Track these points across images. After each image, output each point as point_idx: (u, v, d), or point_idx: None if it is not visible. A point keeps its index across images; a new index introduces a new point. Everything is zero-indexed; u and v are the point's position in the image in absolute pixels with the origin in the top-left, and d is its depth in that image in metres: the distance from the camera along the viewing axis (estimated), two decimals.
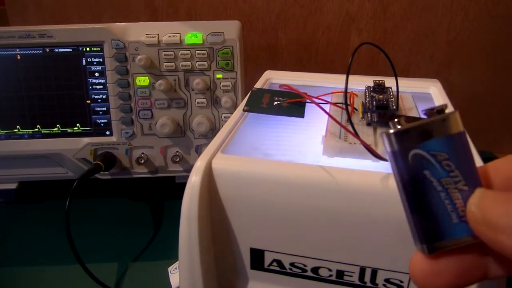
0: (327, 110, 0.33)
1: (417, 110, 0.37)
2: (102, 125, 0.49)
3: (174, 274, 0.40)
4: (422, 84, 0.43)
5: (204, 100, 0.49)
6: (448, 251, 0.17)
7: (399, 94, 0.37)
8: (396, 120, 0.16)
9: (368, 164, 0.29)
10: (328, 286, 0.31)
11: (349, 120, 0.31)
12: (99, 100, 0.49)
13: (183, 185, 0.29)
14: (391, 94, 0.37)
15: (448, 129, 0.16)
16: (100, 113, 0.49)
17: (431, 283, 0.17)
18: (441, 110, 0.16)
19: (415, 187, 0.16)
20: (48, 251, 0.46)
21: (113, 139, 0.49)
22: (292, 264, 0.31)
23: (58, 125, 0.49)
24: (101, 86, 0.48)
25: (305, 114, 0.35)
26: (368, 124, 0.34)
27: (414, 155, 0.16)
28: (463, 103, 0.67)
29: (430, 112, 0.16)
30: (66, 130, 0.49)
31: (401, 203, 0.17)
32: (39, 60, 0.47)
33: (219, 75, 0.48)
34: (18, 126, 0.49)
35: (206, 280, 0.31)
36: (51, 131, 0.49)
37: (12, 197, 0.53)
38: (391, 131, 0.16)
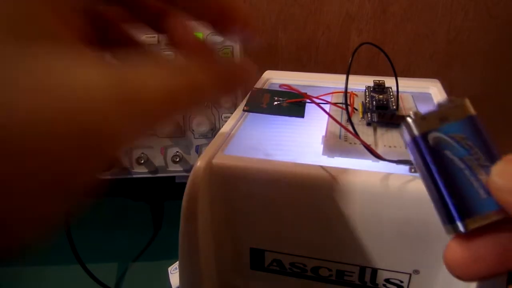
0: (327, 110, 0.33)
1: (417, 110, 0.37)
2: None
3: (174, 274, 0.40)
4: (422, 84, 0.43)
5: None
6: (482, 232, 0.17)
7: (399, 94, 0.37)
8: (413, 112, 0.18)
9: (368, 164, 0.29)
10: (328, 286, 0.31)
11: (349, 120, 0.31)
12: None
13: (183, 185, 0.29)
14: (391, 94, 0.37)
15: (462, 113, 0.18)
16: None
17: (467, 270, 0.17)
18: (453, 100, 0.18)
19: (438, 166, 0.17)
20: (48, 251, 0.46)
21: None
22: (292, 264, 0.31)
23: None
24: None
25: (305, 114, 0.35)
26: (368, 124, 0.34)
27: (433, 138, 0.18)
28: None
29: (443, 103, 0.18)
30: None
31: (428, 192, 0.18)
32: None
33: None
34: None
35: (206, 280, 0.31)
36: None
37: None
38: (410, 119, 0.18)
